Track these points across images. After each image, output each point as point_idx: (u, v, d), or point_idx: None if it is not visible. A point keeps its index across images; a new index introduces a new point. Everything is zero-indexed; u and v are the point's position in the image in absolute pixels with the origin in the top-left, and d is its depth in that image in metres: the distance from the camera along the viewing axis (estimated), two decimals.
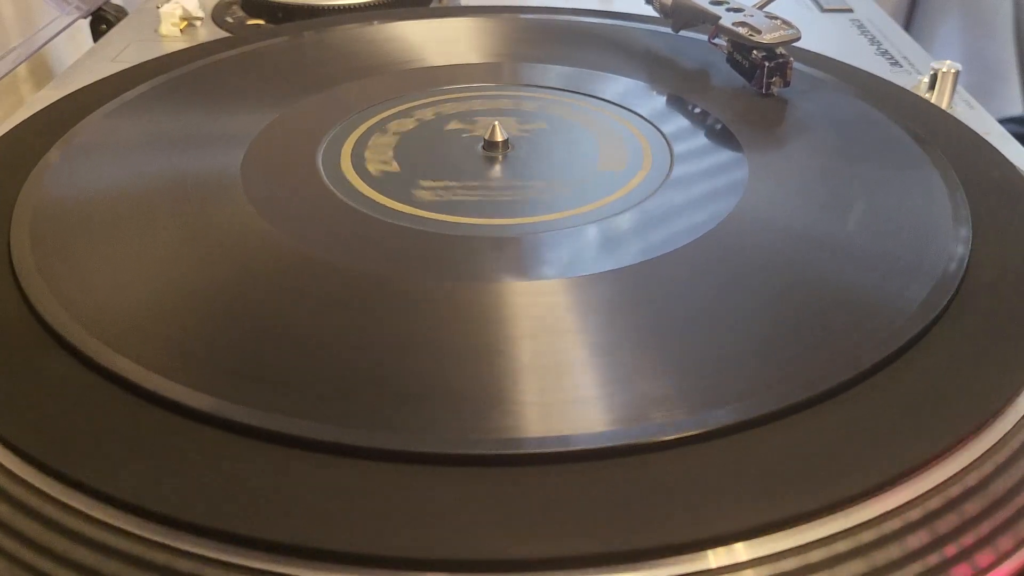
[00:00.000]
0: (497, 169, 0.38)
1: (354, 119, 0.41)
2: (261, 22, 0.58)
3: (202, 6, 0.58)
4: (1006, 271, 0.31)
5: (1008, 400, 0.26)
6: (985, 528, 0.23)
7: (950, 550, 0.23)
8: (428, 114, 0.42)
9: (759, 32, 0.42)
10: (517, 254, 0.33)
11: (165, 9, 0.56)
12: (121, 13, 0.60)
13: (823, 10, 0.61)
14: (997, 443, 0.25)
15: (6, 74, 0.50)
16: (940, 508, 0.23)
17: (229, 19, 0.58)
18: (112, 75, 0.46)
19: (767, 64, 0.42)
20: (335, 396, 0.26)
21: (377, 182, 0.37)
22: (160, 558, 0.22)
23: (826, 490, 0.23)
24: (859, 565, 0.22)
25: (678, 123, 0.41)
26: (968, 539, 0.23)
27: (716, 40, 0.44)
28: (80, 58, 0.53)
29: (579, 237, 0.33)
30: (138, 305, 0.29)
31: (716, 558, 0.22)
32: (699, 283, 0.31)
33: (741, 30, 0.42)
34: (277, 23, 0.57)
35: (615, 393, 0.26)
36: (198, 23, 0.57)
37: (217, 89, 0.44)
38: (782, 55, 0.42)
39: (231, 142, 0.38)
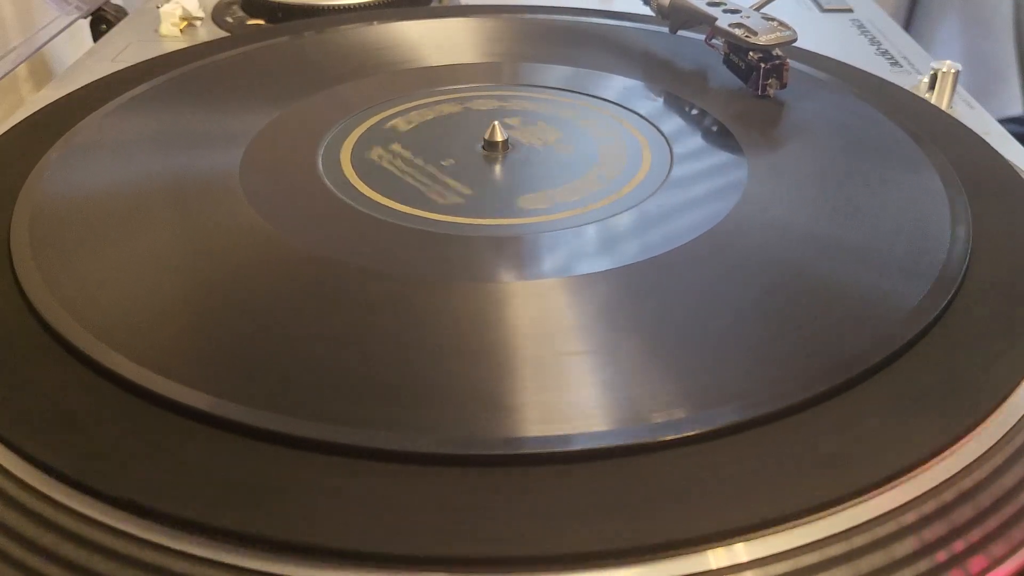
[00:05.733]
0: (496, 169, 0.38)
1: (354, 119, 0.41)
2: (261, 22, 0.58)
3: (202, 6, 0.58)
4: (1005, 271, 0.31)
5: (1006, 401, 0.26)
6: (978, 532, 0.23)
7: (944, 554, 0.23)
8: (428, 114, 0.42)
9: (755, 34, 0.42)
10: (517, 254, 0.33)
11: (165, 9, 0.56)
12: (121, 13, 0.60)
13: (823, 10, 0.61)
14: (996, 444, 0.25)
15: (6, 74, 0.50)
16: (937, 509, 0.23)
17: (229, 19, 0.58)
18: (112, 75, 0.46)
19: (763, 66, 0.42)
20: (334, 395, 0.26)
21: (377, 182, 0.37)
22: (153, 556, 0.22)
23: (823, 490, 0.23)
24: (856, 565, 0.22)
25: (677, 123, 0.41)
26: (961, 544, 0.23)
27: (713, 41, 0.44)
28: (80, 58, 0.53)
29: (579, 237, 0.33)
30: (137, 304, 0.29)
31: (716, 558, 0.22)
32: (699, 282, 0.31)
33: (737, 31, 0.42)
34: (277, 23, 0.57)
35: (615, 393, 0.26)
36: (198, 23, 0.57)
37: (217, 89, 0.44)
38: (778, 57, 0.42)
39: (231, 142, 0.39)
